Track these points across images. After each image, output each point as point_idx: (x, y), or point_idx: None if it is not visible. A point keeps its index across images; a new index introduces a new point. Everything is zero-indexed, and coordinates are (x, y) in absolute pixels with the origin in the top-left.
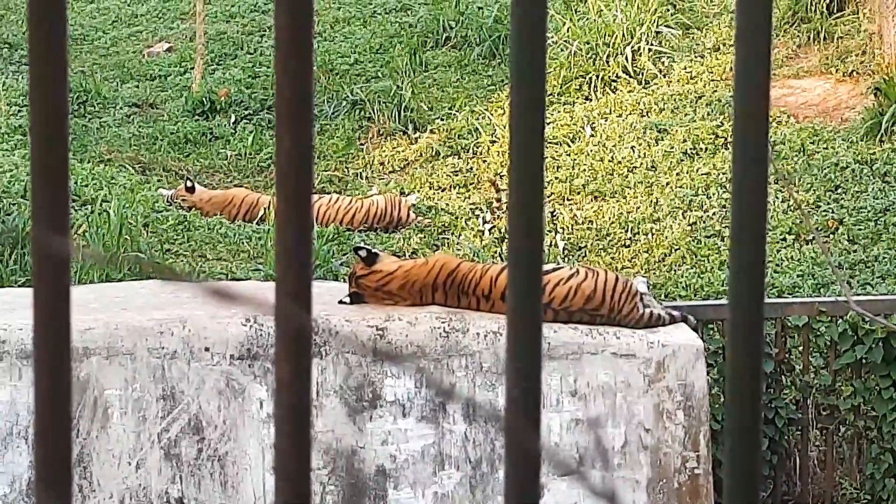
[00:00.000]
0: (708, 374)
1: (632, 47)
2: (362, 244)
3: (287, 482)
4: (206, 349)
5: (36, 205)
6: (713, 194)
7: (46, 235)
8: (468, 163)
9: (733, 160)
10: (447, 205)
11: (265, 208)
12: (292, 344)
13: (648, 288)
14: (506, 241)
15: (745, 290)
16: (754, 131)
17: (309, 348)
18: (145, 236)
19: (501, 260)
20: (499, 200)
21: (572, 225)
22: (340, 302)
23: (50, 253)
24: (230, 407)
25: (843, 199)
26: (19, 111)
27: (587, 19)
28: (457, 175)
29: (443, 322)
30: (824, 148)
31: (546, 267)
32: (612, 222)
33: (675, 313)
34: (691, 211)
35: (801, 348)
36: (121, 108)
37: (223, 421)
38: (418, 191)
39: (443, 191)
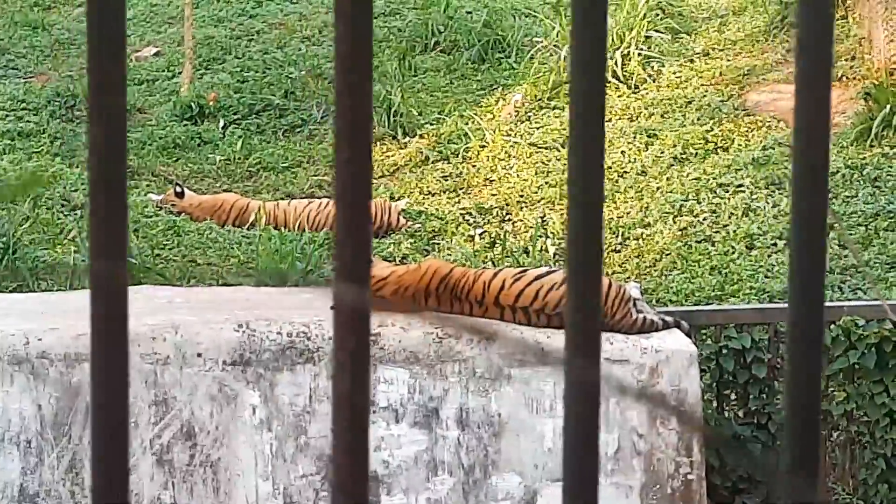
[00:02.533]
0: (701, 379)
1: (621, 52)
2: None
3: (345, 496)
4: (199, 355)
5: (93, 233)
6: (703, 199)
7: (104, 263)
8: (457, 168)
9: (793, 170)
10: (437, 210)
11: (255, 213)
12: (352, 359)
13: (641, 293)
14: (496, 245)
15: (806, 297)
16: (815, 141)
17: (368, 364)
18: (135, 241)
19: (493, 265)
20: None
21: (563, 230)
22: (332, 308)
23: (109, 281)
24: (222, 413)
25: (833, 203)
26: (7, 115)
27: None
28: (446, 180)
29: (436, 328)
30: None
31: (538, 272)
32: (603, 227)
33: (668, 319)
34: (682, 216)
35: None
36: None
37: (215, 427)
38: (408, 195)
39: (432, 195)
